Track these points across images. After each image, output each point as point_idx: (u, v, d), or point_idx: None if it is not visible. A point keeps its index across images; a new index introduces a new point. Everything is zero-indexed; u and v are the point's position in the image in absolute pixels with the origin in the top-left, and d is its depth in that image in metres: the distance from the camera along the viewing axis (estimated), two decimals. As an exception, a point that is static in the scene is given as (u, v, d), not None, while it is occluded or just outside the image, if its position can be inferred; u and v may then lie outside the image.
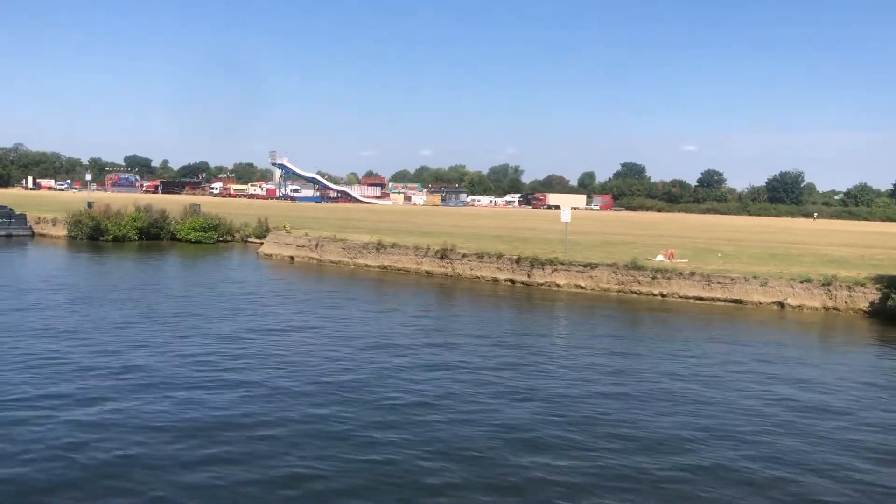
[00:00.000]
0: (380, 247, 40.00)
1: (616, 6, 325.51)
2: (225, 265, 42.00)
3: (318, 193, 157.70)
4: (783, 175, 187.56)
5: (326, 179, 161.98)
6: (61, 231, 52.62)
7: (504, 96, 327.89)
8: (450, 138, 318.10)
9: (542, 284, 33.87)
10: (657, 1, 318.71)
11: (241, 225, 55.00)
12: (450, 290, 33.87)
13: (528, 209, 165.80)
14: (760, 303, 29.45)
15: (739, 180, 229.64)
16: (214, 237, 52.99)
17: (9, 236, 51.38)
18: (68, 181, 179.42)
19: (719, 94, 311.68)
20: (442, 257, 37.52)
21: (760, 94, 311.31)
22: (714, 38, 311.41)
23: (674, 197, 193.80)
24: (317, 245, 42.64)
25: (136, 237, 51.92)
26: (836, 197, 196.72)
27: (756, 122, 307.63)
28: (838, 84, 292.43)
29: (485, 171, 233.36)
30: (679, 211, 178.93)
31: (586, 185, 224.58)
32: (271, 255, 44.80)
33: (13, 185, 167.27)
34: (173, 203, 67.59)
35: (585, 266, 33.32)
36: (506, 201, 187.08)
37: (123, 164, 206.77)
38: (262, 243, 52.87)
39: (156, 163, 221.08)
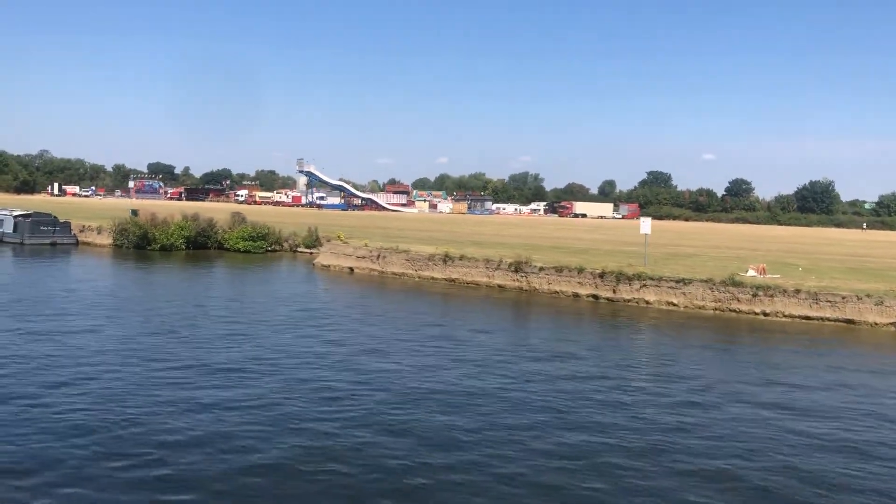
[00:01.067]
0: (447, 259, 38.32)
1: (634, 14, 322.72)
2: (284, 278, 40.50)
3: (343, 201, 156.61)
4: (813, 184, 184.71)
5: (352, 187, 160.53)
6: (106, 240, 51.31)
7: (520, 105, 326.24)
8: (465, 146, 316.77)
9: (628, 301, 32.05)
10: (677, 8, 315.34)
11: (289, 234, 53.50)
12: (531, 306, 32.16)
13: (554, 217, 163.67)
14: (876, 323, 27.49)
15: (764, 189, 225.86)
16: (264, 247, 51.51)
17: (54, 245, 50.12)
18: (92, 187, 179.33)
19: (740, 102, 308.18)
20: (516, 270, 35.79)
21: (781, 102, 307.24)
22: (734, 46, 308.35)
23: (701, 206, 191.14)
24: (378, 256, 41.01)
25: (183, 246, 50.54)
26: (866, 206, 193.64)
27: (777, 131, 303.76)
28: (860, 93, 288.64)
29: (505, 178, 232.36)
30: (707, 220, 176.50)
31: (607, 194, 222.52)
32: (329, 266, 43.23)
33: (39, 192, 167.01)
34: (210, 210, 66.40)
35: (678, 282, 31.46)
36: (530, 209, 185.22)
37: (146, 170, 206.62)
38: (312, 253, 51.54)
39: (178, 170, 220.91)
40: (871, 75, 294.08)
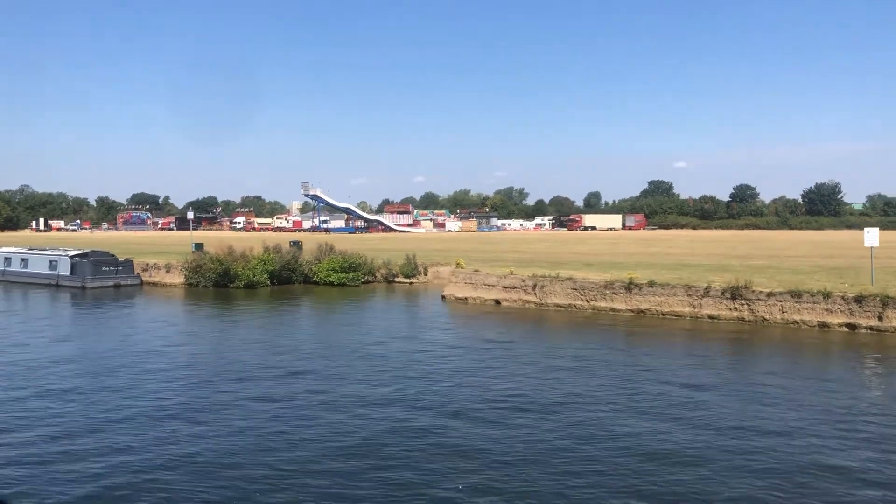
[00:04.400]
0: (632, 286, 32.18)
1: (614, 21, 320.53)
2: (416, 315, 34.06)
3: (348, 224, 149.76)
4: (819, 186, 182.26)
5: (359, 209, 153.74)
6: (177, 278, 44.31)
7: (492, 120, 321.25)
8: (439, 163, 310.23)
9: (903, 329, 26.23)
10: (658, 9, 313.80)
11: (382, 263, 46.94)
12: (767, 341, 26.24)
13: (564, 231, 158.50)
14: None
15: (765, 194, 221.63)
16: (359, 278, 44.89)
17: (117, 286, 43.08)
18: (77, 221, 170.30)
19: (714, 108, 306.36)
20: (733, 297, 29.77)
21: (746, 106, 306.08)
22: (717, 49, 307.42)
23: (707, 213, 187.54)
24: (535, 286, 34.71)
25: (267, 282, 43.76)
26: (857, 207, 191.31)
27: (773, 135, 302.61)
28: (846, 94, 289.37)
29: (490, 194, 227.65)
30: (715, 227, 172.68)
31: (592, 205, 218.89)
32: (465, 298, 36.85)
33: (22, 228, 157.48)
34: (223, 239, 59.81)
35: (977, 304, 25.71)
36: (536, 224, 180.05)
37: (127, 202, 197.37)
38: (412, 283, 45.16)
39: (160, 200, 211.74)
40: (858, 79, 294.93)
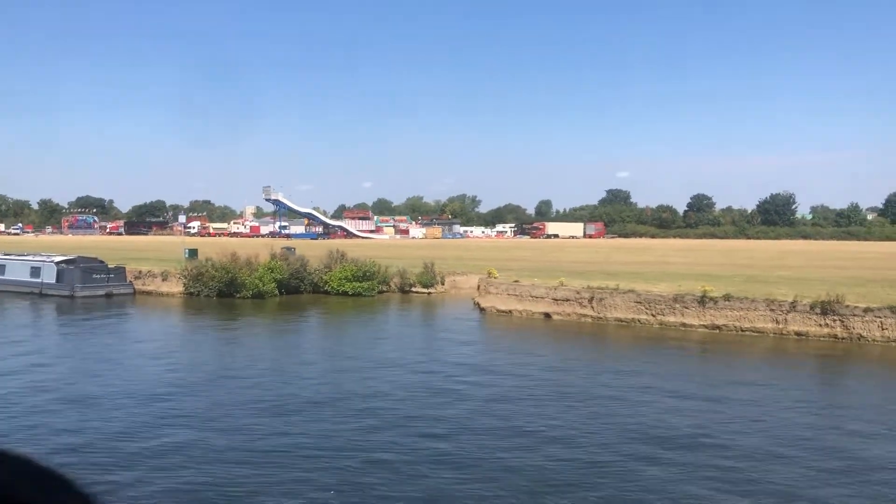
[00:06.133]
0: (705, 299, 29.56)
1: (557, 26, 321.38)
2: (455, 329, 30.78)
3: (311, 230, 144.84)
4: (774, 197, 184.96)
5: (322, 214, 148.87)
6: (175, 287, 40.00)
7: (440, 127, 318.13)
8: (388, 170, 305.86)
9: None
10: (604, 19, 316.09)
11: (397, 271, 43.45)
12: (870, 362, 23.96)
13: (527, 239, 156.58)
14: None
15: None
16: (375, 288, 41.35)
17: (109, 296, 38.64)
18: (19, 224, 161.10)
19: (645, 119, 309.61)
20: (824, 312, 27.40)
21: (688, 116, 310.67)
22: (670, 60, 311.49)
23: (665, 222, 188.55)
24: (592, 298, 31.81)
25: (275, 291, 39.87)
26: (808, 216, 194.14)
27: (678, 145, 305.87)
28: (791, 105, 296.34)
29: (442, 200, 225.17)
30: (673, 237, 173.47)
31: (544, 213, 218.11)
32: (509, 311, 33.76)
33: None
34: (174, 245, 55.48)
35: None
36: (497, 231, 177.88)
37: (70, 206, 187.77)
38: (430, 293, 41.89)
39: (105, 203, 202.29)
40: (802, 90, 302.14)
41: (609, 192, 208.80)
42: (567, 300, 32.55)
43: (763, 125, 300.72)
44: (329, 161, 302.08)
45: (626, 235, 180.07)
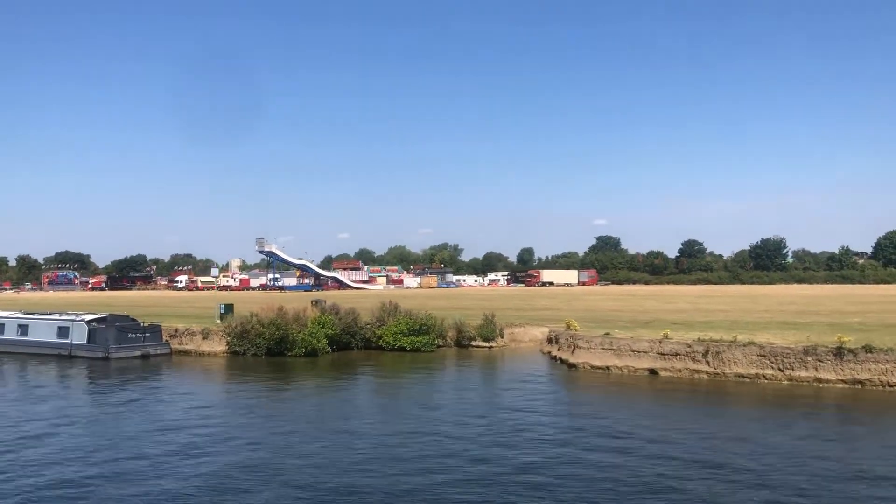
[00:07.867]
0: (843, 351, 26.44)
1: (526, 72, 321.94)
2: (541, 390, 27.39)
3: (303, 281, 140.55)
4: (765, 241, 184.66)
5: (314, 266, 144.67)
6: (217, 346, 36.07)
7: (414, 177, 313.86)
8: (363, 220, 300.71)
9: None
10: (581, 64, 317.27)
11: (453, 324, 39.93)
12: None
13: (522, 287, 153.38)
14: None
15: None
16: (434, 342, 37.79)
17: (145, 357, 34.69)
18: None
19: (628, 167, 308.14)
20: None
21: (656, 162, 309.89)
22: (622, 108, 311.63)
23: (657, 269, 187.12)
24: (707, 352, 28.53)
25: (327, 348, 36.14)
26: (789, 261, 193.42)
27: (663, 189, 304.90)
28: (771, 155, 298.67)
29: (422, 250, 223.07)
30: (667, 283, 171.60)
31: (526, 261, 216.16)
32: (607, 367, 30.33)
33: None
34: (180, 301, 51.59)
35: None
36: (490, 280, 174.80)
37: (46, 262, 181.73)
38: (491, 347, 38.45)
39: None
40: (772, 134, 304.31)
41: (599, 238, 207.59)
42: (676, 354, 29.22)
43: (734, 172, 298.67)
44: (305, 212, 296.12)
45: (618, 282, 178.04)
